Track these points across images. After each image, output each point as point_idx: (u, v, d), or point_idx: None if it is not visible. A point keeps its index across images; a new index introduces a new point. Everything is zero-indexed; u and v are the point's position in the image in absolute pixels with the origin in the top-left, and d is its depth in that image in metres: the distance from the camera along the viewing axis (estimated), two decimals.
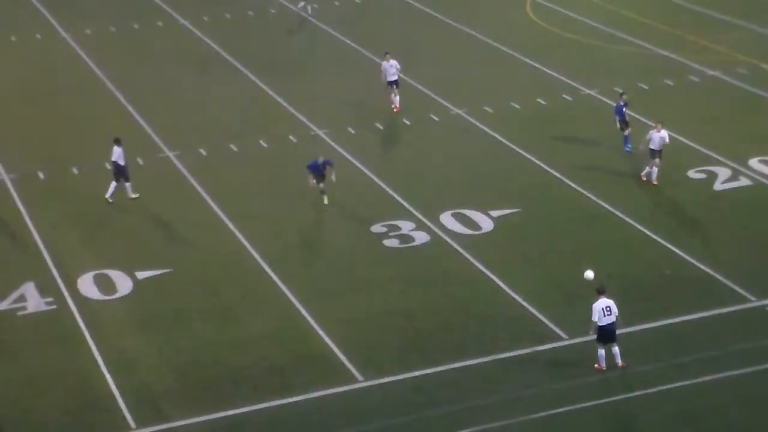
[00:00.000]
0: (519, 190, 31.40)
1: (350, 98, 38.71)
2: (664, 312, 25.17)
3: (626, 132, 33.53)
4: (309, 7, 47.18)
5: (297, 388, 22.82)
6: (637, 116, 36.24)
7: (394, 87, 37.15)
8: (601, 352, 22.88)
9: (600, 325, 22.72)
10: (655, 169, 31.23)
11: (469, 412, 21.96)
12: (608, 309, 22.78)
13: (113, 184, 30.84)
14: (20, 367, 23.91)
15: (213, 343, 24.53)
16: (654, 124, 31.45)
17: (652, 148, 31.10)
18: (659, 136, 31.07)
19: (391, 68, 36.98)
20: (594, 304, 22.75)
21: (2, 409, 22.57)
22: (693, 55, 41.40)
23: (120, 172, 30.83)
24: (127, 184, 31.03)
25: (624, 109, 33.54)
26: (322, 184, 30.27)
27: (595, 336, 22.87)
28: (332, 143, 34.87)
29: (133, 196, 31.09)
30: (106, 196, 30.77)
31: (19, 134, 36.18)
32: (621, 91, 34.31)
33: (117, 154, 30.75)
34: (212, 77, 40.97)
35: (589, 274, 23.10)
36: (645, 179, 31.41)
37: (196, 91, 39.67)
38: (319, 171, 30.25)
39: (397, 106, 37.12)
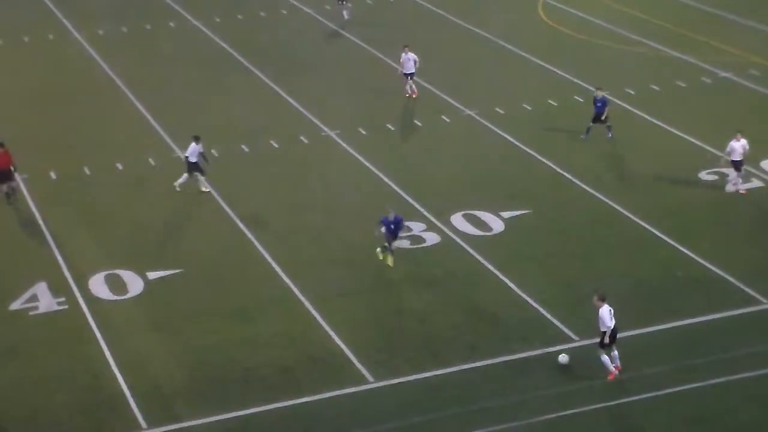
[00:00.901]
0: (530, 192, 31.38)
1: (361, 99, 38.75)
2: (674, 314, 25.12)
3: (593, 124, 34.09)
4: (345, 11, 47.03)
5: (308, 389, 22.83)
6: (649, 118, 36.30)
7: (410, 78, 37.92)
8: (606, 358, 22.82)
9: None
10: (738, 179, 30.76)
11: (480, 414, 21.94)
12: (611, 312, 22.73)
13: (199, 177, 31.46)
14: (32, 367, 23.95)
15: (224, 344, 24.56)
16: (734, 134, 30.81)
17: (734, 159, 30.60)
18: (740, 144, 30.63)
19: (409, 61, 37.64)
20: (601, 311, 22.62)
21: (14, 408, 22.64)
22: (705, 57, 41.31)
23: (191, 167, 31.33)
24: (184, 178, 31.56)
25: (600, 104, 33.88)
26: (394, 243, 27.28)
27: (607, 341, 22.76)
28: (343, 144, 34.92)
29: (204, 188, 31.43)
30: (202, 189, 31.39)
31: (31, 134, 36.25)
32: (598, 87, 34.55)
33: (191, 150, 31.19)
34: (224, 78, 41.03)
35: (563, 358, 23.15)
36: (734, 191, 30.77)
37: (207, 92, 39.74)
38: (391, 230, 27.25)
39: (415, 92, 38.14)
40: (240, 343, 24.54)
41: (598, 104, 34.21)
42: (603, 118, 34.14)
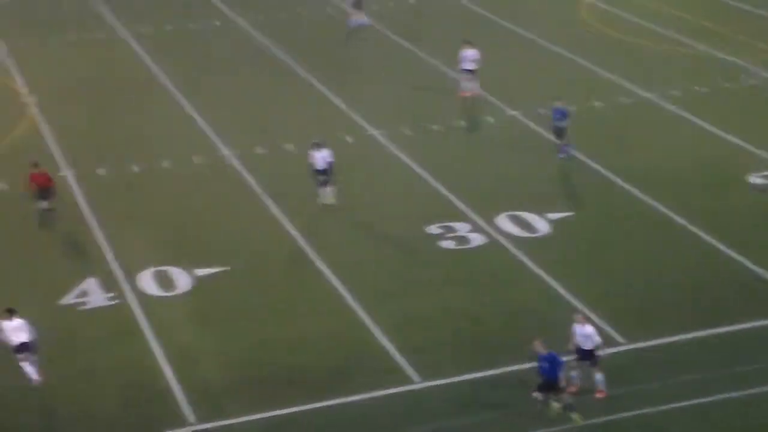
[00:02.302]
0: (576, 193, 31.30)
1: (405, 99, 38.75)
2: (723, 320, 24.85)
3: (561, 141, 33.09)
4: (365, 18, 46.90)
5: (353, 389, 22.89)
6: (694, 119, 36.03)
7: (470, 75, 37.74)
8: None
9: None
10: None
11: (528, 416, 21.84)
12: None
13: (321, 188, 30.31)
14: (82, 361, 24.23)
15: (270, 342, 24.71)
16: None
17: None
18: None
19: (468, 57, 37.47)
20: (590, 329, 22.22)
21: (64, 402, 22.92)
22: (752, 58, 40.95)
23: (320, 174, 30.18)
24: (327, 188, 30.35)
25: (558, 115, 32.91)
26: (566, 397, 21.60)
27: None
28: (388, 144, 34.99)
29: (329, 201, 30.30)
30: (325, 202, 30.34)
31: (80, 132, 36.65)
32: (557, 97, 33.68)
33: (318, 158, 30.12)
34: (268, 77, 41.22)
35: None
36: None
37: (252, 91, 39.93)
38: (551, 372, 21.28)
39: (473, 92, 37.81)
40: (286, 342, 24.67)
41: (557, 116, 33.03)
42: (561, 131, 32.87)
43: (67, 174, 33.18)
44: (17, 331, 22.87)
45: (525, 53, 43.15)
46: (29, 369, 22.97)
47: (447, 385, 22.98)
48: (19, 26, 47.66)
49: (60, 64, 43.40)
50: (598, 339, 22.26)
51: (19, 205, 29.87)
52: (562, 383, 21.26)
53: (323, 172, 30.32)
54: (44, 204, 29.95)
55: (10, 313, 23.03)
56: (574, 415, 21.64)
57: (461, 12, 48.41)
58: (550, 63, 41.93)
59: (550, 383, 21.35)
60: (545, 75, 40.68)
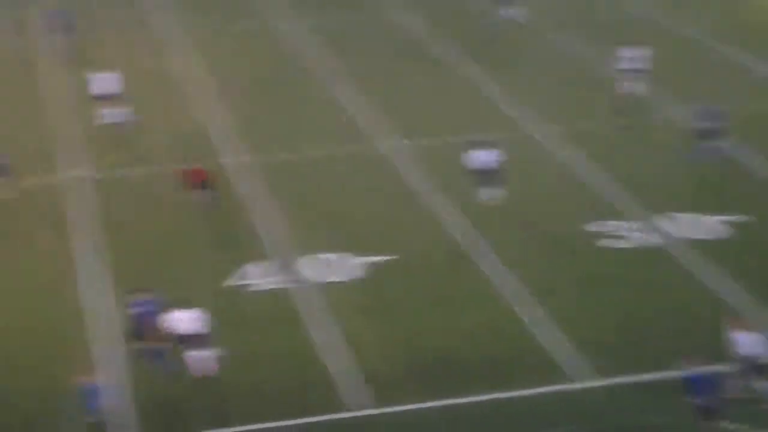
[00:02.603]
0: (747, 197, 30.26)
1: (565, 95, 38.18)
2: None
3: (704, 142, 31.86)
4: (516, 11, 46.43)
5: (513, 384, 22.66)
6: None
7: (631, 74, 36.64)
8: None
9: None
10: None
11: (689, 421, 21.20)
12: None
13: (482, 188, 29.92)
14: (243, 344, 24.49)
15: (433, 332, 24.67)
16: None
17: None
18: None
19: (628, 56, 36.56)
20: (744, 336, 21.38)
21: (226, 387, 23.02)
22: None
23: (491, 176, 29.72)
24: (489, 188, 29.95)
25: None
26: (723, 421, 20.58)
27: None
28: (548, 141, 34.58)
29: (491, 201, 29.98)
30: (487, 203, 29.97)
31: (243, 119, 37.10)
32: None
33: (478, 159, 29.70)
34: (427, 70, 41.09)
35: None
36: None
37: (406, 84, 39.79)
38: (690, 387, 20.56)
39: (634, 91, 36.69)
40: (450, 333, 24.55)
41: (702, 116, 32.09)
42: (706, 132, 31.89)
43: (230, 161, 33.93)
44: (190, 321, 22.93)
45: (686, 51, 41.96)
46: (204, 356, 23.07)
47: (611, 385, 22.53)
48: (191, 17, 49.06)
49: (227, 54, 44.27)
50: (748, 350, 21.29)
51: (184, 192, 30.64)
52: (696, 401, 20.54)
53: (483, 171, 29.91)
54: (199, 195, 30.38)
55: (183, 303, 23.20)
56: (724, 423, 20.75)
57: (621, 7, 47.49)
58: (713, 62, 40.64)
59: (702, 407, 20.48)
60: (708, 75, 39.41)
